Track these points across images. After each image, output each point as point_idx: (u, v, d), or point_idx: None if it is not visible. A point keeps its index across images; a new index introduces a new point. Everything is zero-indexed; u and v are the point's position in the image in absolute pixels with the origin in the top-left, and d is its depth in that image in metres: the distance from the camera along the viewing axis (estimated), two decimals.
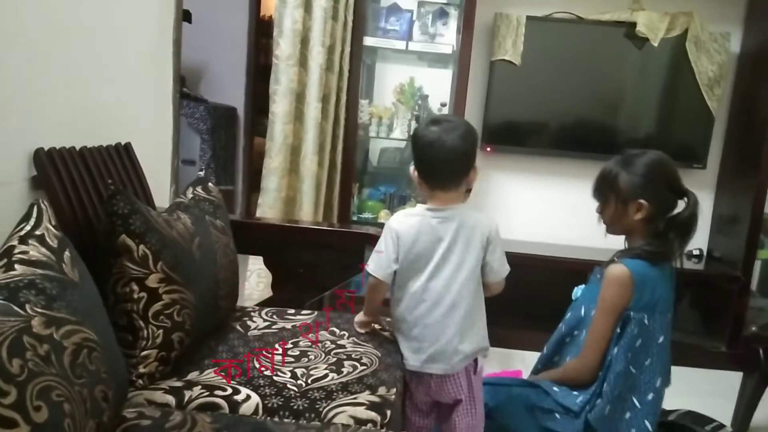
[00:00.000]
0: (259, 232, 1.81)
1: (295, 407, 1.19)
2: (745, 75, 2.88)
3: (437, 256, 1.43)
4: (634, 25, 2.78)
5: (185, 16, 3.86)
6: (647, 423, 1.47)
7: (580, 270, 2.83)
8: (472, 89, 2.96)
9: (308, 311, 1.72)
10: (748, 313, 2.78)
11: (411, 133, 1.36)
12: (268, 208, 2.33)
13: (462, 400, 1.49)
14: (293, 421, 1.16)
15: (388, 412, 1.21)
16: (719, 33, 2.81)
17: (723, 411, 2.21)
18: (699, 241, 3.06)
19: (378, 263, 1.48)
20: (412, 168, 1.48)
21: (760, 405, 2.15)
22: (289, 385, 1.27)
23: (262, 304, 1.81)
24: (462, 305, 1.44)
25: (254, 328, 1.58)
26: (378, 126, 2.80)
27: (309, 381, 1.29)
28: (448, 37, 2.81)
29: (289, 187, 2.39)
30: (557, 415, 1.52)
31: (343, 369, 1.36)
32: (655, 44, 2.76)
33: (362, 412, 1.19)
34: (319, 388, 1.26)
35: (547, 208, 3.07)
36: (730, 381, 2.18)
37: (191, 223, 1.44)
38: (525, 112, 2.97)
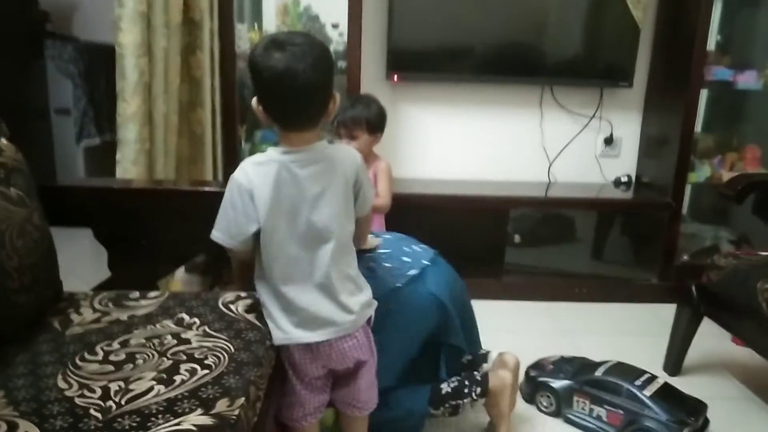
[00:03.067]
0: (82, 198, 1.42)
1: None
2: None
3: (306, 207, 1.16)
4: None
5: None
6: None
7: (503, 209, 2.60)
8: (372, 7, 2.58)
9: (156, 293, 1.37)
10: (679, 241, 2.60)
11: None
12: (131, 165, 1.91)
13: (366, 362, 1.28)
14: None
15: None
16: None
17: (657, 350, 2.04)
18: (627, 166, 2.84)
19: (227, 229, 1.20)
20: (254, 102, 1.16)
21: (694, 343, 1.98)
22: (92, 411, 0.93)
23: (100, 288, 1.45)
24: (342, 259, 1.21)
25: (77, 324, 1.23)
26: None
27: (123, 402, 0.96)
28: None
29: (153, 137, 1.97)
30: None
31: (175, 377, 1.03)
32: None
33: None
34: (132, 413, 0.93)
35: (465, 141, 2.77)
36: (664, 316, 1.99)
37: None
38: (435, 34, 2.60)
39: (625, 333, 2.33)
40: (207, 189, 1.51)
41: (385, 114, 2.04)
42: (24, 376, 1.03)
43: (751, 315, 1.65)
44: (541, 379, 1.76)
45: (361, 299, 1.24)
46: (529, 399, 1.78)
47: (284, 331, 1.21)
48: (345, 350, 1.22)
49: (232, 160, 2.38)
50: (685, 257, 2.60)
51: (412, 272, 1.51)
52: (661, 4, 2.64)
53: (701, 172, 2.61)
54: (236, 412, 0.97)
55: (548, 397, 1.74)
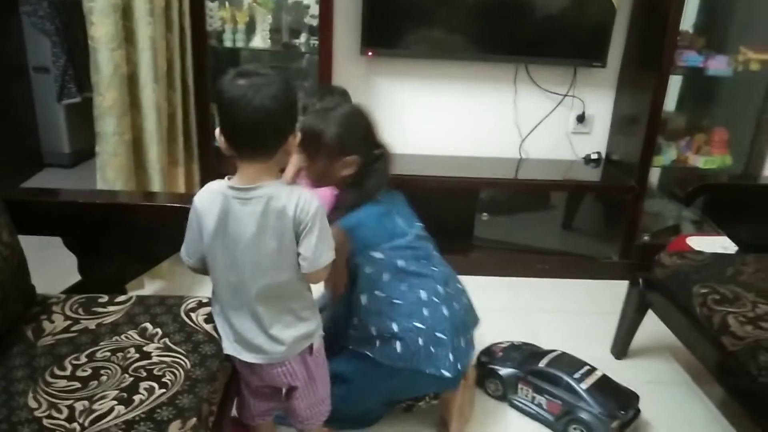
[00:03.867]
0: (50, 210, 1.49)
1: None
2: None
3: (242, 243, 1.19)
4: None
5: None
6: (438, 334, 1.54)
7: (473, 188, 2.68)
8: None
9: (124, 298, 1.47)
10: (643, 220, 2.69)
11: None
12: (111, 157, 1.95)
13: (298, 387, 1.34)
14: None
15: None
16: None
17: (608, 330, 2.17)
18: (598, 143, 2.89)
19: (186, 246, 1.30)
20: (217, 131, 1.19)
21: (644, 327, 2.10)
22: None
23: (71, 291, 1.54)
24: (281, 294, 1.24)
25: (49, 333, 1.33)
26: (233, 33, 2.38)
27: (86, 423, 1.08)
28: None
29: (134, 127, 2.00)
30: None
31: (135, 396, 1.15)
32: None
33: None
34: None
35: (439, 117, 2.80)
36: (621, 294, 2.11)
37: None
38: (409, 8, 2.59)
39: (581, 312, 2.46)
40: (167, 204, 1.57)
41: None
42: None
43: (687, 315, 1.76)
44: (490, 366, 1.90)
45: (298, 332, 1.26)
46: (479, 383, 1.92)
47: (227, 342, 1.30)
48: (274, 375, 1.29)
49: (205, 138, 2.42)
50: (646, 237, 2.70)
51: (431, 371, 1.51)
52: None
53: (668, 155, 2.67)
54: None
55: (495, 383, 1.88)
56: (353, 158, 1.50)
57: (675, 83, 2.84)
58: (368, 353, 1.53)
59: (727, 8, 2.74)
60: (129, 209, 1.53)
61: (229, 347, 1.30)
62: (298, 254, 1.21)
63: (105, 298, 1.47)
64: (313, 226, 1.19)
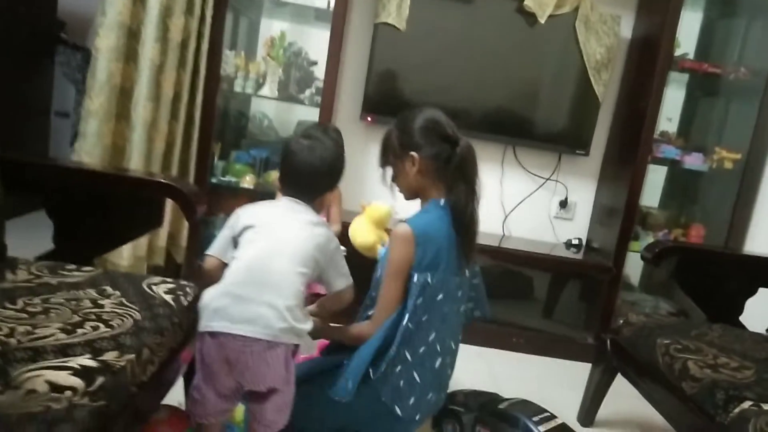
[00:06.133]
0: (37, 174, 1.56)
1: None
2: (634, 61, 2.80)
3: (271, 224, 1.37)
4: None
5: None
6: (415, 374, 1.42)
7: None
8: (354, 52, 2.79)
9: (90, 268, 1.50)
10: (618, 306, 2.71)
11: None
12: (86, 154, 2.07)
13: (278, 389, 1.33)
14: None
15: (99, 380, 1.00)
16: (610, 15, 2.71)
17: (576, 404, 2.12)
18: (579, 230, 2.98)
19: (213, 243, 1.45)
20: (277, 174, 1.49)
21: (608, 399, 2.07)
22: None
23: (42, 258, 1.57)
24: (298, 276, 1.32)
25: (9, 281, 1.35)
26: (245, 80, 2.57)
27: (23, 340, 1.07)
28: None
29: (117, 135, 2.13)
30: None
31: (79, 329, 1.15)
32: (542, 21, 2.65)
33: (63, 378, 0.98)
34: (28, 349, 1.04)
35: None
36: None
37: None
38: (409, 83, 2.80)
39: (551, 384, 2.41)
40: (150, 178, 1.64)
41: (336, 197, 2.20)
42: None
43: (650, 369, 1.74)
44: (450, 407, 1.84)
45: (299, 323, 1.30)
46: (435, 424, 1.86)
47: (216, 319, 1.26)
48: (258, 377, 1.28)
49: (202, 172, 2.53)
50: (621, 321, 2.69)
51: (386, 400, 1.42)
52: (622, 82, 2.85)
53: (645, 242, 2.74)
54: (122, 363, 1.08)
55: (453, 423, 1.82)
56: (415, 155, 1.46)
57: (658, 180, 2.99)
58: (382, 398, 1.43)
59: (705, 114, 2.94)
60: (111, 179, 1.59)
61: (220, 325, 1.26)
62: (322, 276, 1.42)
63: (72, 266, 1.49)
64: (332, 255, 1.42)
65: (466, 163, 1.46)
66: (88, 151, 2.03)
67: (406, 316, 1.39)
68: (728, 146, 2.68)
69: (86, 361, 1.04)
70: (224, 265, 1.37)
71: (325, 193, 1.46)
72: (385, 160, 1.56)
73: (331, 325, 1.55)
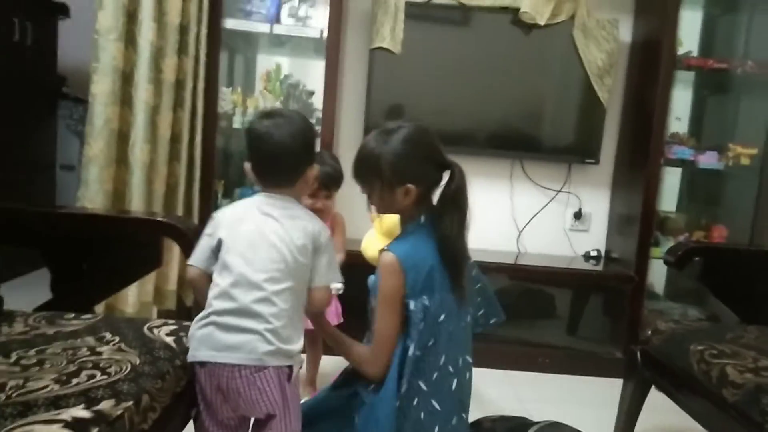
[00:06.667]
0: (30, 221, 1.52)
1: None
2: (636, 63, 2.74)
3: (258, 237, 1.28)
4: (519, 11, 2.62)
5: (61, 9, 3.58)
6: (434, 402, 1.33)
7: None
8: (352, 79, 2.77)
9: (89, 316, 1.44)
10: (644, 316, 2.60)
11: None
12: (88, 202, 2.05)
13: (276, 416, 1.26)
14: None
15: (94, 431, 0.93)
16: (607, 20, 2.67)
17: (610, 423, 2.00)
18: (597, 241, 2.89)
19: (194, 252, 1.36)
20: (246, 163, 1.35)
21: (644, 414, 1.95)
22: None
23: (41, 309, 1.52)
24: (278, 295, 1.25)
25: (4, 335, 1.29)
26: (243, 116, 2.54)
27: (14, 394, 1.01)
28: (318, 21, 2.59)
29: (117, 180, 2.10)
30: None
31: (74, 379, 1.08)
32: (542, 23, 2.60)
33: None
34: (17, 404, 0.98)
35: None
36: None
37: None
38: (410, 106, 2.76)
39: (581, 404, 2.30)
40: (145, 217, 1.60)
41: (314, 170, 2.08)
42: None
43: (686, 378, 1.64)
44: None
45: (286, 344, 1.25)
46: None
47: (203, 349, 1.24)
48: (253, 402, 1.23)
49: (206, 212, 2.48)
50: (650, 332, 2.58)
51: None
52: (627, 86, 2.79)
53: (665, 247, 2.63)
54: (118, 412, 1.01)
55: None
56: (412, 187, 1.34)
57: (673, 183, 2.90)
58: None
59: (715, 111, 2.86)
60: (106, 221, 1.55)
61: (205, 354, 1.23)
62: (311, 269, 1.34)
63: (71, 315, 1.44)
64: (326, 249, 1.34)
65: (461, 193, 1.37)
66: (91, 198, 2.00)
67: (412, 346, 1.30)
68: (743, 142, 2.60)
69: (79, 412, 0.97)
70: (208, 275, 1.31)
71: (305, 170, 1.34)
72: (368, 184, 1.38)
73: (337, 332, 1.46)
